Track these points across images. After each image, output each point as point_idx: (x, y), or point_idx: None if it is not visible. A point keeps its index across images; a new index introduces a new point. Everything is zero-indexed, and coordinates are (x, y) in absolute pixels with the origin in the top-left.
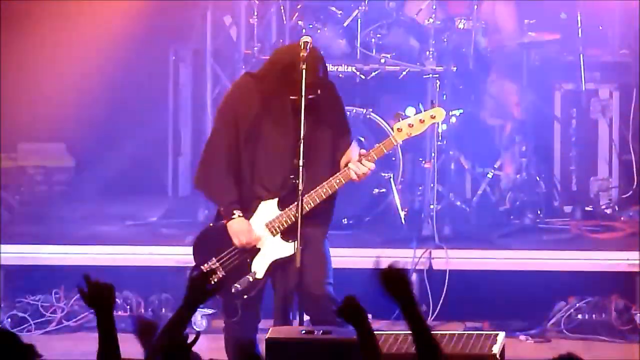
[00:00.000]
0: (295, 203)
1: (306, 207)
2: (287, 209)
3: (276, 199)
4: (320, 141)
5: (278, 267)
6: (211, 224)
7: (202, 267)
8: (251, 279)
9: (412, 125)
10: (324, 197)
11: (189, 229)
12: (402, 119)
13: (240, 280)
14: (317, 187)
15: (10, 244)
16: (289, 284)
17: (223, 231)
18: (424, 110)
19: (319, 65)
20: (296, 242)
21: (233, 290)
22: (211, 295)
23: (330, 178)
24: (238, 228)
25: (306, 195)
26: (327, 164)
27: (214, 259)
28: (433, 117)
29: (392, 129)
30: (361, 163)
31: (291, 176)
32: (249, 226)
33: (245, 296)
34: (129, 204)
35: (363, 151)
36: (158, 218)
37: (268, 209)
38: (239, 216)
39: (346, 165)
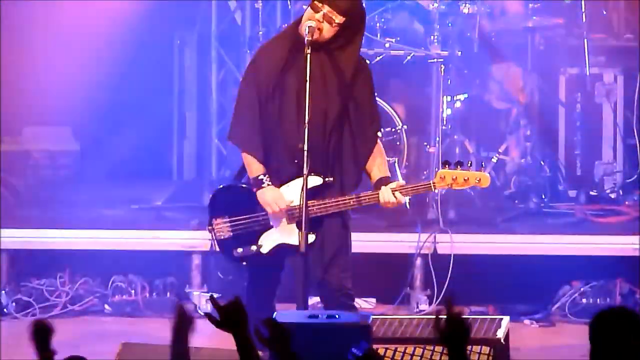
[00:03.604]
0: (322, 201)
1: (327, 210)
2: (310, 202)
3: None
4: (345, 120)
5: (297, 253)
6: (243, 185)
7: (213, 220)
8: (253, 250)
9: (456, 179)
10: (348, 208)
11: (194, 213)
12: (450, 169)
13: (244, 247)
14: (346, 198)
15: (15, 228)
16: (306, 271)
17: (245, 195)
18: (473, 170)
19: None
20: (307, 232)
21: (234, 253)
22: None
23: (361, 194)
24: (270, 197)
25: (331, 200)
26: (347, 148)
27: (227, 217)
28: (478, 181)
29: (436, 174)
30: (394, 195)
31: (295, 160)
32: (281, 195)
33: (244, 263)
34: (134, 187)
35: (402, 182)
36: (163, 202)
37: (295, 190)
38: (267, 184)
39: (377, 183)
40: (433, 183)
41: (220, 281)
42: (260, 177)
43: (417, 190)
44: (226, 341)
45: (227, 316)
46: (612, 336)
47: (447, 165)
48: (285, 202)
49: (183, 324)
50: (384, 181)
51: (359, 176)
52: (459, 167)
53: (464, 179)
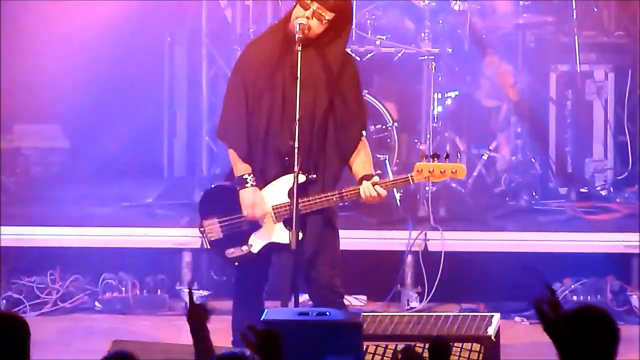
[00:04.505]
0: (305, 199)
1: (311, 208)
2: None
3: (289, 185)
4: (331, 115)
5: (283, 250)
6: (231, 184)
7: (203, 221)
8: (244, 250)
9: (433, 172)
10: (331, 204)
11: (185, 210)
12: (426, 161)
13: (235, 248)
14: (329, 194)
15: (6, 225)
16: (295, 269)
17: (235, 195)
18: (450, 162)
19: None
20: (295, 230)
21: (227, 254)
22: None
23: (343, 190)
24: (251, 199)
25: (315, 196)
26: (330, 144)
27: (215, 219)
28: (454, 173)
29: (414, 167)
30: (374, 189)
31: (286, 158)
32: (262, 199)
33: (237, 263)
34: (124, 185)
35: (376, 179)
36: (153, 199)
37: (281, 187)
38: (252, 185)
39: (361, 181)
40: (411, 176)
41: (210, 279)
42: (244, 177)
43: (396, 184)
44: (220, 339)
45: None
46: (583, 334)
47: (424, 158)
48: (264, 207)
49: (198, 314)
50: (367, 178)
51: (340, 172)
52: (435, 159)
53: (441, 171)
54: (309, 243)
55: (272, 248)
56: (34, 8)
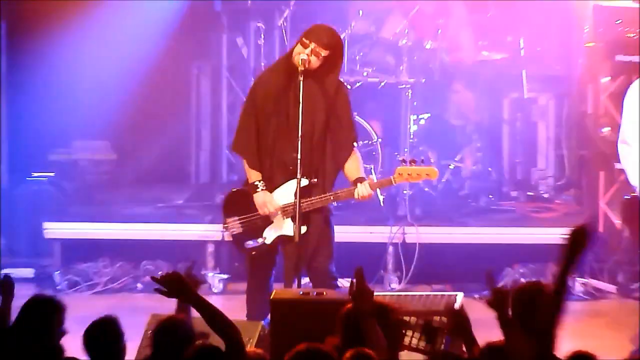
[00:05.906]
0: (308, 198)
1: (313, 206)
2: (301, 200)
3: (295, 188)
4: (328, 131)
5: (290, 241)
6: (245, 187)
7: (226, 219)
8: (260, 242)
9: (411, 174)
10: (328, 203)
11: (208, 210)
12: (406, 166)
13: (253, 240)
14: (328, 194)
15: (66, 222)
16: (298, 257)
17: (250, 196)
18: (424, 166)
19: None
20: (300, 225)
21: (246, 245)
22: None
23: (338, 190)
24: (262, 200)
25: (315, 197)
26: (328, 154)
27: (236, 217)
28: (428, 175)
29: (395, 171)
30: (365, 188)
31: (290, 167)
32: (272, 198)
33: (254, 252)
34: (160, 189)
35: (371, 178)
36: (183, 201)
37: (289, 190)
38: (262, 189)
39: (354, 182)
40: (393, 178)
41: (229, 265)
42: (256, 183)
43: (382, 184)
44: (237, 314)
45: (169, 286)
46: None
47: (403, 163)
48: (274, 204)
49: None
50: (359, 180)
51: (336, 177)
52: (413, 164)
53: (417, 173)
54: (313, 236)
55: (281, 239)
56: (86, 47)
